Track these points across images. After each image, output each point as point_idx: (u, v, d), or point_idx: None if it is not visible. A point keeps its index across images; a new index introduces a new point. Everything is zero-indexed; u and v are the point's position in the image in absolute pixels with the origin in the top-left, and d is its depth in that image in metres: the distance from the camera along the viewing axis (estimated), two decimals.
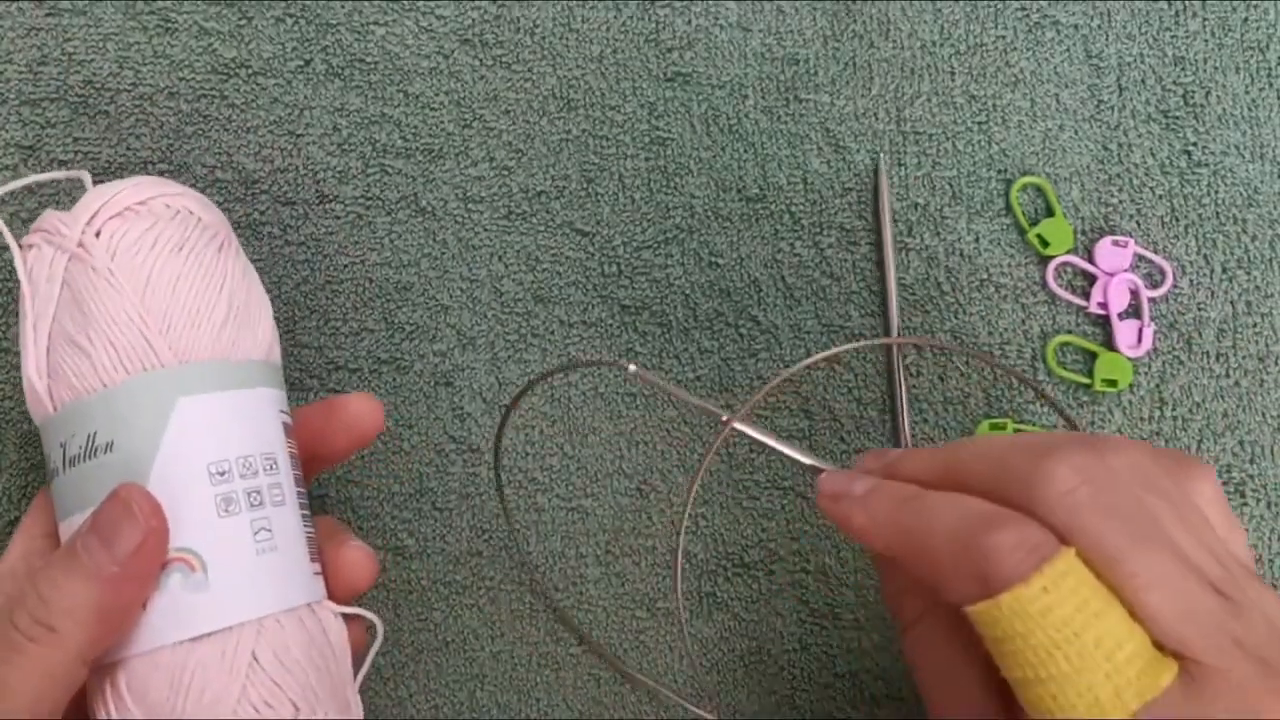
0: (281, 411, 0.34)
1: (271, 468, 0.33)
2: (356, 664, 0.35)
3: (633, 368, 0.36)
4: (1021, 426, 0.45)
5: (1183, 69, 0.47)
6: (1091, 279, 0.46)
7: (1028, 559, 0.27)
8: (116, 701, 0.30)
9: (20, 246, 0.34)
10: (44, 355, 0.33)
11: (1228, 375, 0.46)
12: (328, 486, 0.43)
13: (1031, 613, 0.26)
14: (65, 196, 0.43)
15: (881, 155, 0.46)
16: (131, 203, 0.33)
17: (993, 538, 0.27)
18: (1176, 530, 0.28)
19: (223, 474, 0.31)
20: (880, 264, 0.45)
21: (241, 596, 0.31)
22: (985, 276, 0.46)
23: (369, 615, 0.35)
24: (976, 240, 0.46)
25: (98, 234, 0.33)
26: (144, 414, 0.31)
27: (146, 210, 0.34)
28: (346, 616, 0.35)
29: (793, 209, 0.46)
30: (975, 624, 0.28)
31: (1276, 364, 0.46)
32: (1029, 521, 0.28)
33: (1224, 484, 0.45)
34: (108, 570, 0.29)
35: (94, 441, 0.31)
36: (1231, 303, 0.46)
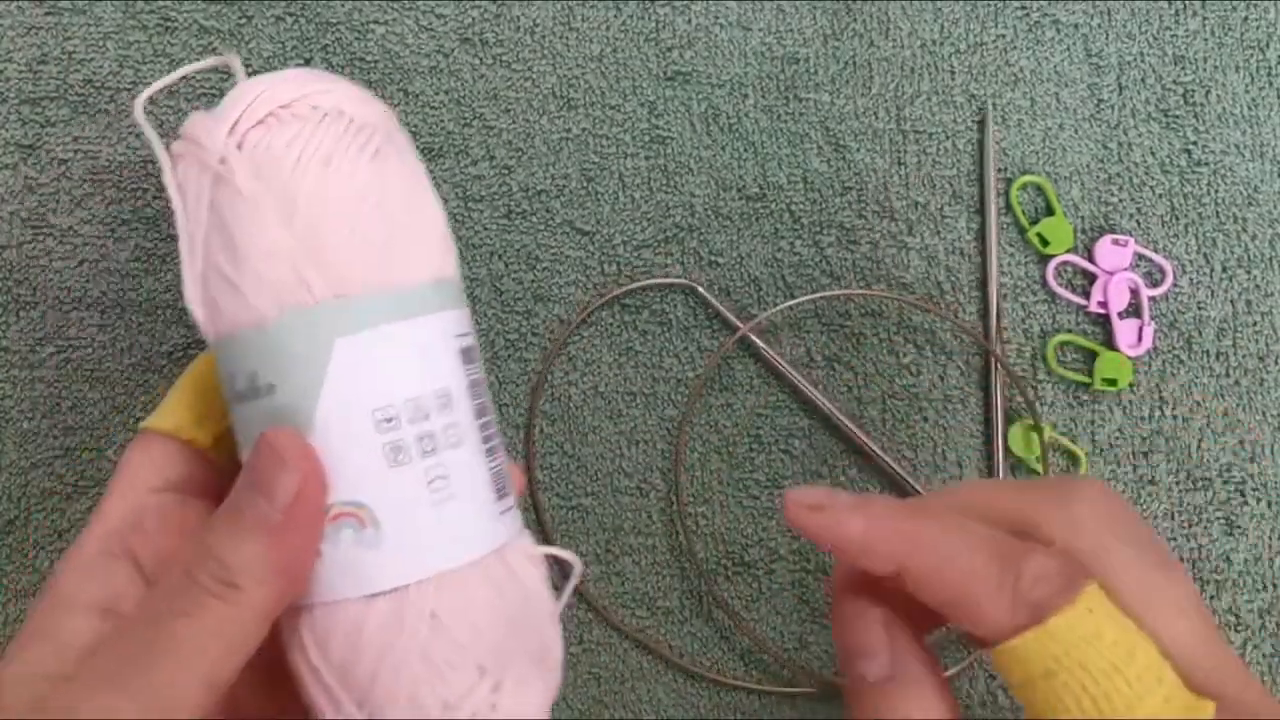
0: (458, 335, 0.30)
1: (445, 406, 0.29)
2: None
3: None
4: (1056, 436, 0.45)
5: (1183, 68, 0.47)
6: (1091, 278, 0.46)
7: (1070, 584, 0.26)
8: (300, 649, 0.29)
9: (170, 156, 0.31)
10: (199, 282, 0.30)
11: (1228, 374, 0.46)
12: None
13: (1086, 635, 0.25)
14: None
15: (989, 103, 0.46)
16: (274, 107, 0.30)
17: (1037, 560, 0.26)
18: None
19: (389, 421, 0.28)
20: (982, 228, 0.45)
21: (416, 553, 0.28)
22: (985, 274, 0.46)
23: (564, 554, 0.32)
24: (977, 239, 0.46)
25: (240, 146, 0.29)
26: (300, 357, 0.28)
27: (290, 115, 0.30)
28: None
29: (793, 208, 0.46)
30: (1013, 661, 0.26)
31: (1276, 363, 0.46)
32: (1052, 549, 0.27)
33: (1224, 483, 0.45)
34: (272, 520, 0.27)
35: (256, 381, 0.29)
36: (1231, 302, 0.46)
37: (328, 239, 0.29)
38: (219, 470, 0.32)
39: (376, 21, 0.45)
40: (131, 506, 0.31)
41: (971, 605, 0.26)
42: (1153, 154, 0.47)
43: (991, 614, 0.26)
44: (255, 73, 0.34)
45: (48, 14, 0.44)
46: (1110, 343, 0.45)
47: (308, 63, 0.45)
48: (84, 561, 0.30)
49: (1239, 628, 0.44)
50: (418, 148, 0.45)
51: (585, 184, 0.45)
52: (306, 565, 0.28)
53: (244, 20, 0.45)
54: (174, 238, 0.44)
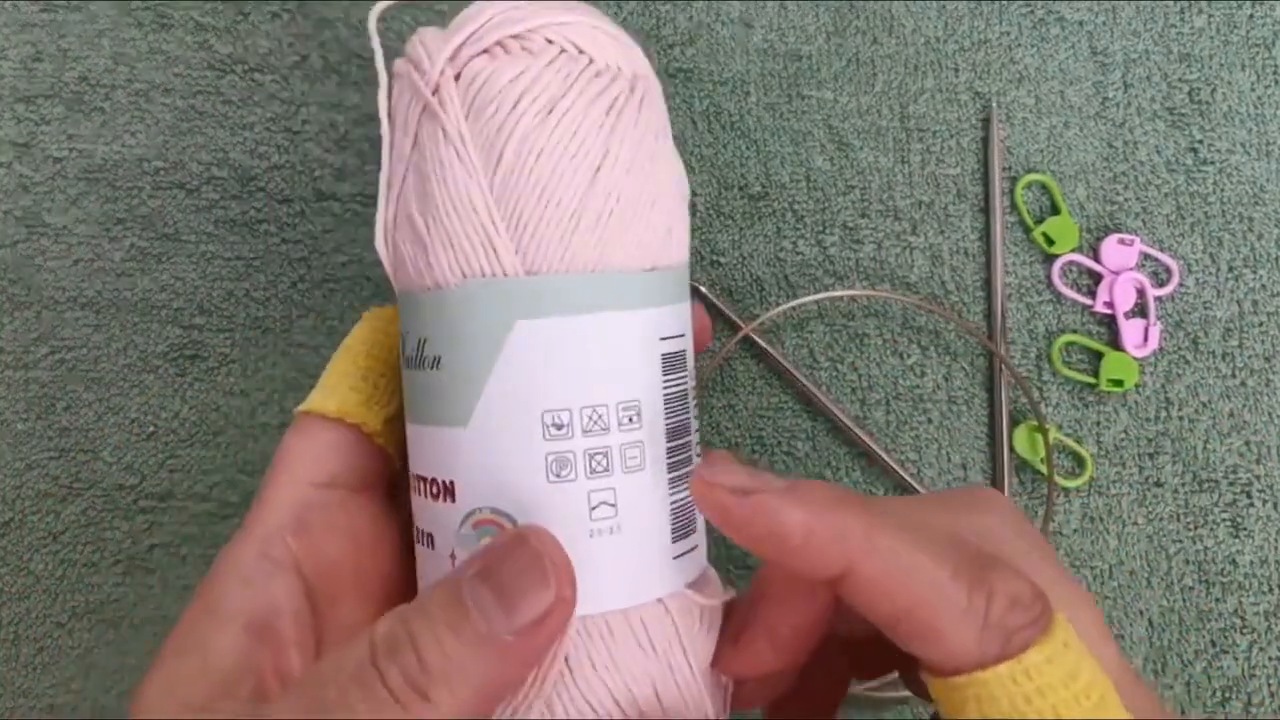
0: (666, 338, 0.26)
1: (631, 420, 0.25)
2: None
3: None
4: (1060, 437, 0.44)
5: (1188, 66, 0.47)
6: (1097, 278, 0.45)
7: (1044, 612, 0.22)
8: None
9: (390, 75, 0.27)
10: (390, 225, 0.26)
11: (1234, 375, 0.45)
12: None
13: (1063, 676, 0.22)
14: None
15: (994, 101, 0.46)
16: (504, 35, 0.25)
17: (1009, 581, 0.22)
18: None
19: (559, 427, 0.24)
20: (987, 223, 0.45)
21: None
22: (990, 275, 0.45)
23: (730, 596, 0.27)
24: (981, 238, 0.46)
25: (458, 76, 0.25)
26: (474, 334, 0.25)
27: (520, 48, 0.25)
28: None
29: (795, 207, 0.45)
30: (971, 697, 0.22)
31: None
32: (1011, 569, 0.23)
33: (1230, 484, 0.45)
34: (502, 638, 0.22)
35: (424, 350, 0.26)
36: (1238, 302, 0.46)
37: (528, 203, 0.25)
38: (388, 459, 0.29)
39: None
40: (293, 504, 0.27)
41: (930, 625, 0.22)
42: (1158, 152, 0.46)
43: (955, 639, 0.22)
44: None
45: (43, 11, 0.44)
46: (1116, 343, 0.45)
47: (304, 60, 0.44)
48: (241, 567, 0.26)
49: (1245, 630, 0.44)
50: None
51: None
52: (513, 690, 0.24)
53: (240, 17, 0.44)
54: (168, 237, 0.43)
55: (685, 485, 0.26)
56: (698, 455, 0.27)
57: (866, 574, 0.23)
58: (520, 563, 0.23)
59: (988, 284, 0.45)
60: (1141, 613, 0.44)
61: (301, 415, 0.28)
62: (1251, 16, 0.47)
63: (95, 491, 0.43)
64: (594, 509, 0.25)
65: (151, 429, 0.43)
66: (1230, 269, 0.46)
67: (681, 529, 0.26)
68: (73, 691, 0.42)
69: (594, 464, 0.25)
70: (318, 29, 0.45)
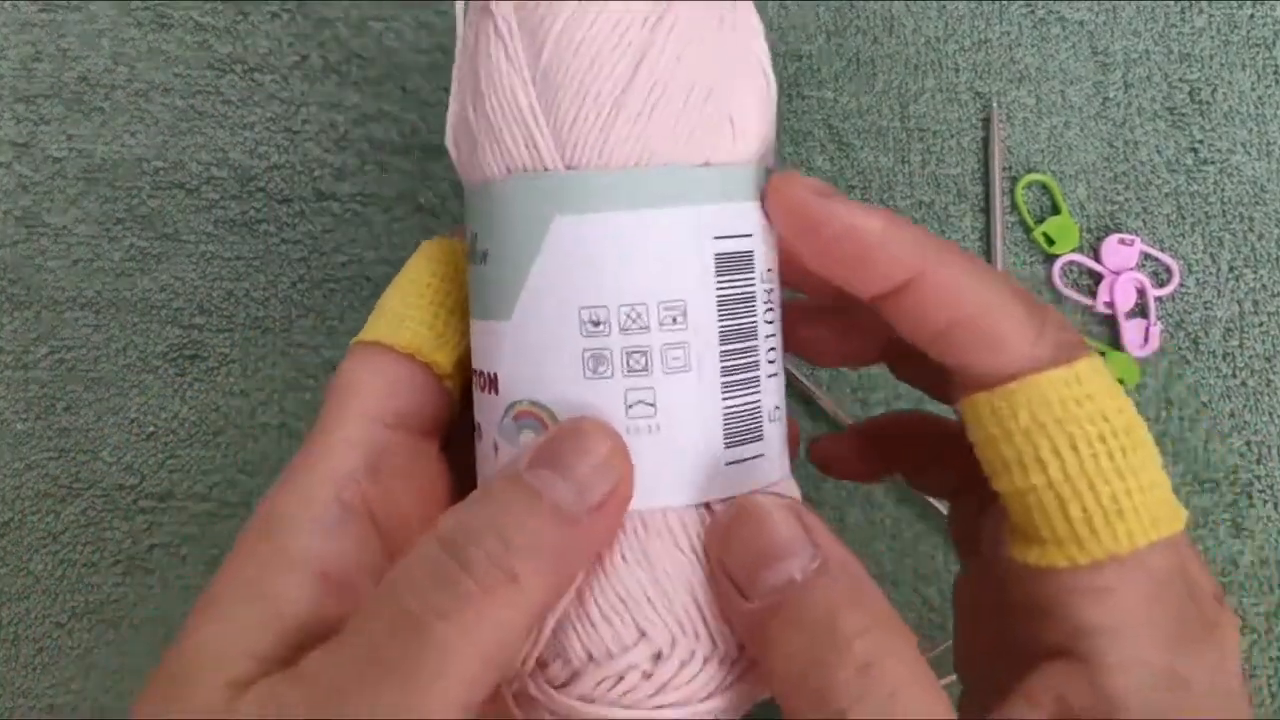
0: (720, 236, 0.25)
1: (675, 321, 0.24)
2: None
3: None
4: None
5: (1189, 66, 0.47)
6: (1098, 278, 0.45)
7: (1084, 344, 0.25)
8: None
9: None
10: (454, 123, 0.26)
11: (1235, 375, 0.45)
12: None
13: (1108, 388, 0.24)
14: None
15: (995, 101, 0.46)
16: None
17: (1057, 314, 0.24)
18: None
19: (597, 324, 0.24)
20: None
21: None
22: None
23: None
24: (982, 238, 0.45)
25: None
26: (516, 229, 0.24)
27: None
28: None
29: None
30: (1019, 404, 0.23)
31: None
32: None
33: (1231, 485, 0.45)
34: (575, 514, 0.22)
35: (476, 245, 0.25)
36: (1239, 302, 0.46)
37: (567, 96, 0.24)
38: (453, 405, 0.27)
39: (374, 18, 0.45)
40: (366, 445, 0.25)
41: (992, 330, 0.23)
42: (1159, 152, 0.46)
43: (1015, 343, 0.23)
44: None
45: (42, 11, 0.44)
46: (1116, 343, 0.45)
47: (304, 60, 0.44)
48: (313, 507, 0.24)
49: (1245, 630, 0.44)
50: (415, 146, 0.44)
51: None
52: (582, 569, 0.23)
53: (240, 17, 0.44)
54: (167, 237, 0.43)
55: (746, 390, 0.25)
56: (770, 360, 0.26)
57: (937, 279, 0.23)
58: (580, 445, 0.23)
59: None
60: None
61: (366, 345, 0.26)
62: (1252, 16, 0.47)
63: (95, 491, 0.43)
64: (630, 407, 0.24)
65: (151, 429, 0.43)
66: (1231, 269, 0.46)
67: (740, 435, 0.25)
68: (72, 692, 0.42)
69: (632, 362, 0.24)
70: (317, 29, 0.45)
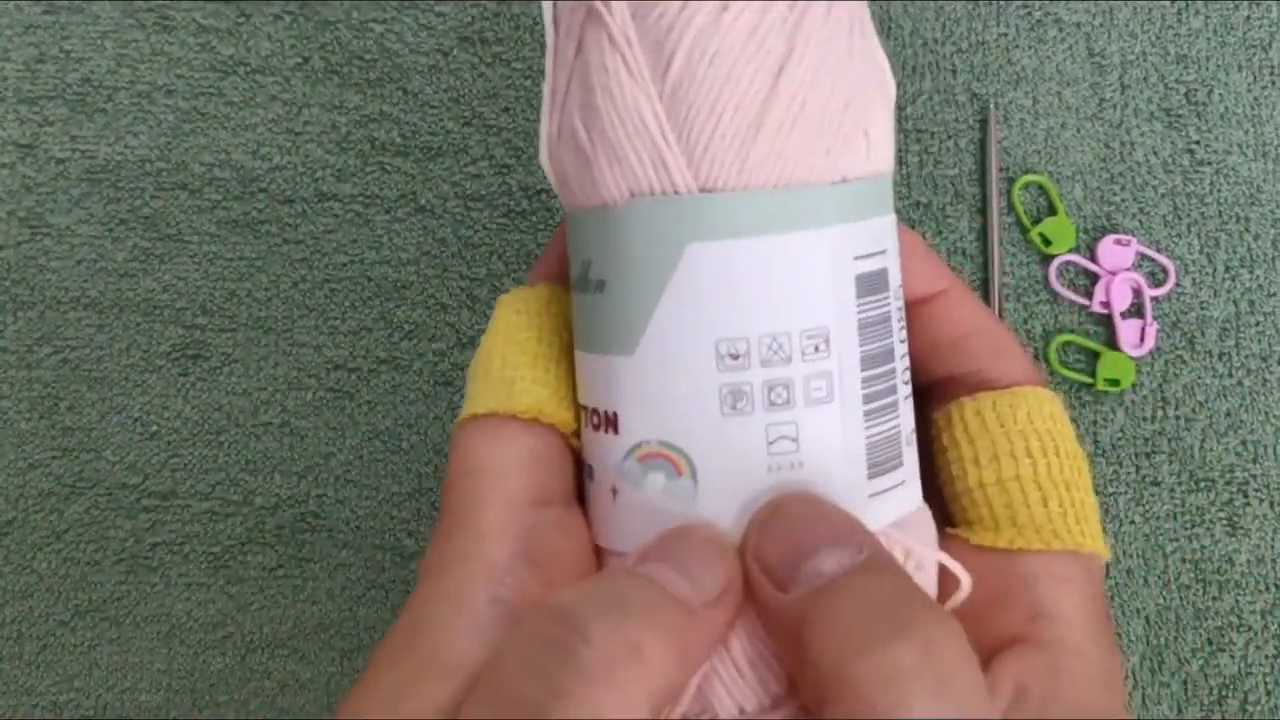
0: (861, 256, 0.23)
1: (818, 349, 0.23)
2: None
3: None
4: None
5: (1185, 67, 0.47)
6: (1094, 278, 0.46)
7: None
8: None
9: None
10: (553, 139, 0.25)
11: (1230, 375, 0.46)
12: (325, 486, 0.43)
13: (1056, 413, 0.27)
14: None
15: (991, 102, 0.46)
16: None
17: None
18: None
19: (735, 357, 0.22)
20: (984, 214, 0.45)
21: (735, 525, 0.22)
22: (988, 275, 0.46)
23: (952, 565, 0.24)
24: (979, 239, 0.46)
25: None
26: (642, 257, 0.23)
27: None
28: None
29: None
30: (1020, 404, 0.27)
31: (1279, 363, 0.46)
32: None
33: (1227, 484, 0.45)
34: (696, 608, 0.21)
35: (588, 273, 0.24)
36: (1234, 302, 0.46)
37: (701, 113, 0.22)
38: (579, 462, 0.25)
39: (375, 20, 0.45)
40: (517, 532, 0.23)
41: (1001, 339, 0.27)
42: (1155, 153, 0.47)
43: (1019, 354, 0.27)
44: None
45: (45, 12, 0.44)
46: (1113, 343, 0.45)
47: (305, 62, 0.44)
48: (467, 610, 0.22)
49: (1241, 629, 0.44)
50: (416, 148, 0.45)
51: None
52: (703, 662, 0.22)
53: (242, 19, 0.45)
54: (170, 238, 0.44)
55: (887, 416, 0.24)
56: (905, 382, 0.25)
57: (961, 294, 0.27)
58: (690, 540, 0.22)
59: (985, 284, 0.45)
60: (1138, 611, 0.44)
61: (482, 420, 0.24)
62: (1248, 18, 0.48)
63: (98, 490, 0.43)
64: (772, 443, 0.22)
65: (154, 428, 0.43)
66: (1227, 269, 0.46)
67: (881, 465, 0.24)
68: (76, 689, 0.42)
69: (774, 396, 0.22)
70: (319, 30, 0.45)
